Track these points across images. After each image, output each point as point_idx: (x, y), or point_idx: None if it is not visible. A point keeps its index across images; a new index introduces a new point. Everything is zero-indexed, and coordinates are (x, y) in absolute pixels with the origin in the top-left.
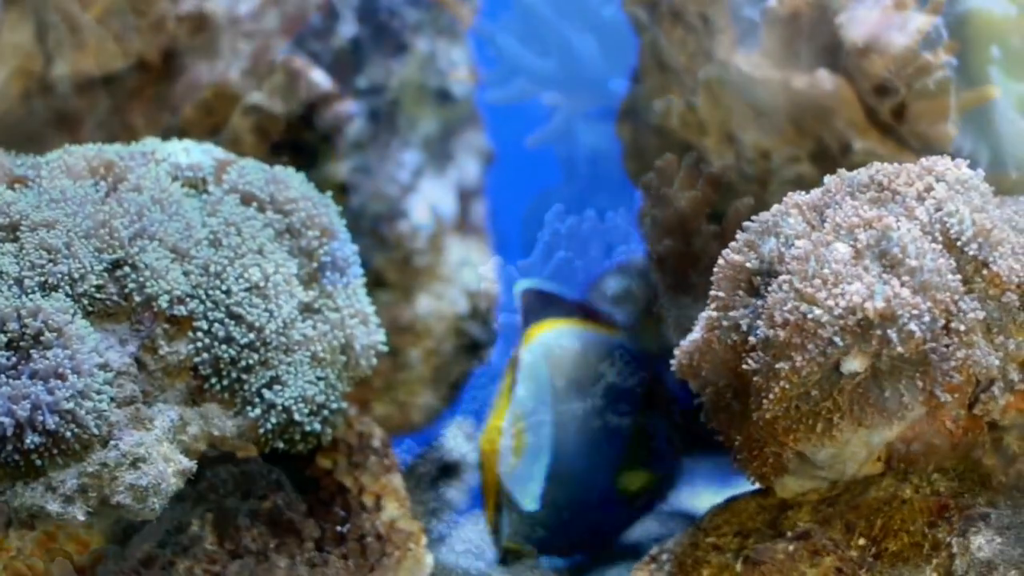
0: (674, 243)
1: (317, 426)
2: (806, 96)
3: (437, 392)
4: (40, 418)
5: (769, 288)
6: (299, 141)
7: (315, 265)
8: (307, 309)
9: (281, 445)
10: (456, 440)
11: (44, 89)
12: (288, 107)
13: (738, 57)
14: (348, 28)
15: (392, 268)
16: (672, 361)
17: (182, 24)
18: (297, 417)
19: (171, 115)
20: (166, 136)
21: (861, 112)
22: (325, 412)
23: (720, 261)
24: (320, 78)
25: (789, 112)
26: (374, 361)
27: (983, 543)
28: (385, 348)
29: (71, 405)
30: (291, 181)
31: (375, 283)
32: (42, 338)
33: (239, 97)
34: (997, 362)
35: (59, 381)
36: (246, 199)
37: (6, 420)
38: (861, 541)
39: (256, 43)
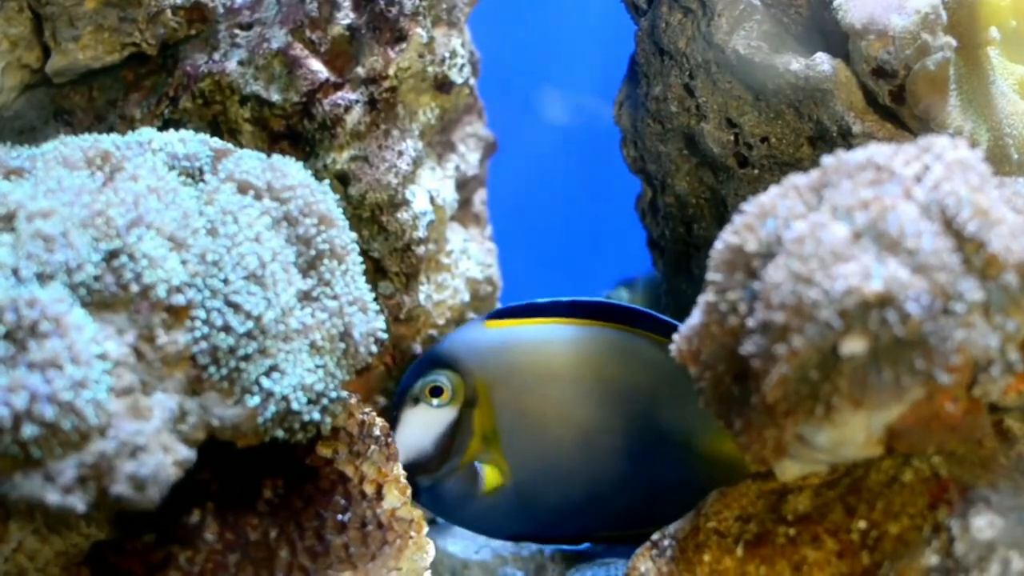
0: (674, 229)
1: (316, 415)
2: (804, 79)
3: None
4: (38, 408)
5: (766, 270)
6: (298, 131)
7: (313, 253)
8: (305, 297)
9: (281, 434)
10: None
11: (41, 81)
12: (286, 97)
13: (736, 40)
14: (346, 16)
15: (393, 258)
16: (671, 346)
17: (179, 15)
18: (295, 406)
19: (169, 106)
20: (164, 127)
21: (860, 95)
22: (324, 401)
23: (717, 244)
24: (318, 67)
25: (788, 96)
26: (374, 348)
27: (984, 525)
28: (385, 335)
29: (69, 395)
30: (288, 169)
31: (376, 273)
32: (39, 328)
33: (237, 87)
34: (996, 343)
35: (57, 371)
36: (243, 187)
37: (4, 411)
38: (862, 524)
39: (254, 33)
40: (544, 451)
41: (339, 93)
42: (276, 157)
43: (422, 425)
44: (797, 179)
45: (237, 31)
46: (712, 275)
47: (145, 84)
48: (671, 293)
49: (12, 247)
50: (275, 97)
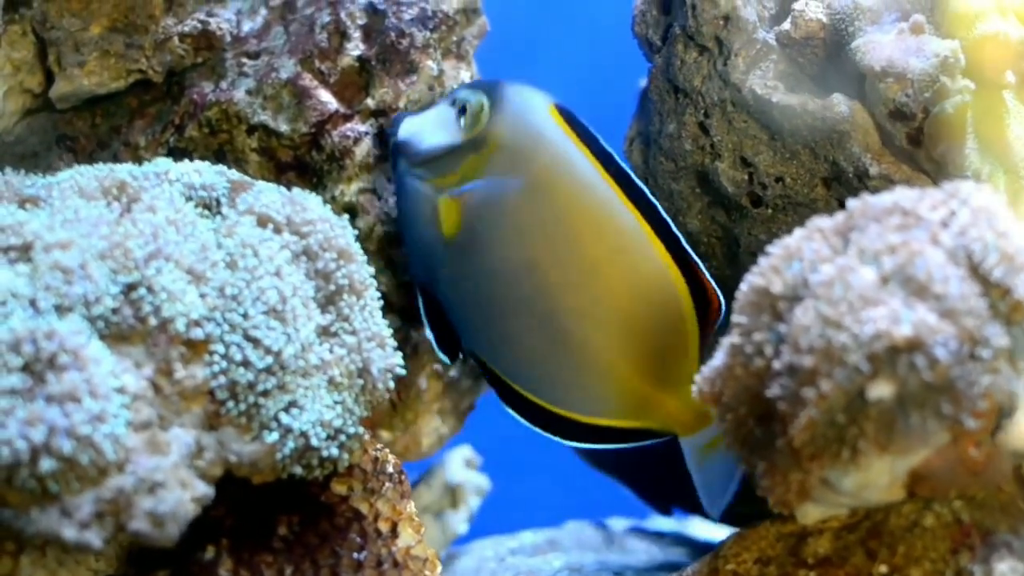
0: None
1: (335, 451)
2: (821, 120)
3: (444, 417)
4: (56, 442)
5: (794, 313)
6: (305, 161)
7: (332, 288)
8: (324, 332)
9: (299, 471)
10: (456, 466)
11: (43, 106)
12: (295, 127)
13: (753, 80)
14: (356, 47)
15: (399, 292)
16: (693, 388)
17: (186, 42)
18: (315, 442)
19: (174, 134)
20: (169, 155)
21: (877, 137)
22: (342, 437)
23: (743, 286)
24: (327, 98)
25: (804, 136)
26: (391, 384)
27: (1007, 570)
28: (403, 371)
29: (88, 429)
30: (308, 203)
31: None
32: (57, 361)
33: (244, 116)
34: (1021, 389)
35: (75, 405)
36: (262, 220)
37: (22, 444)
38: (883, 568)
39: (262, 62)
40: (481, 257)
41: (348, 124)
42: (296, 190)
43: (440, 122)
44: (821, 222)
45: (244, 60)
46: (737, 317)
47: (149, 111)
48: None
49: (29, 278)
50: (283, 127)
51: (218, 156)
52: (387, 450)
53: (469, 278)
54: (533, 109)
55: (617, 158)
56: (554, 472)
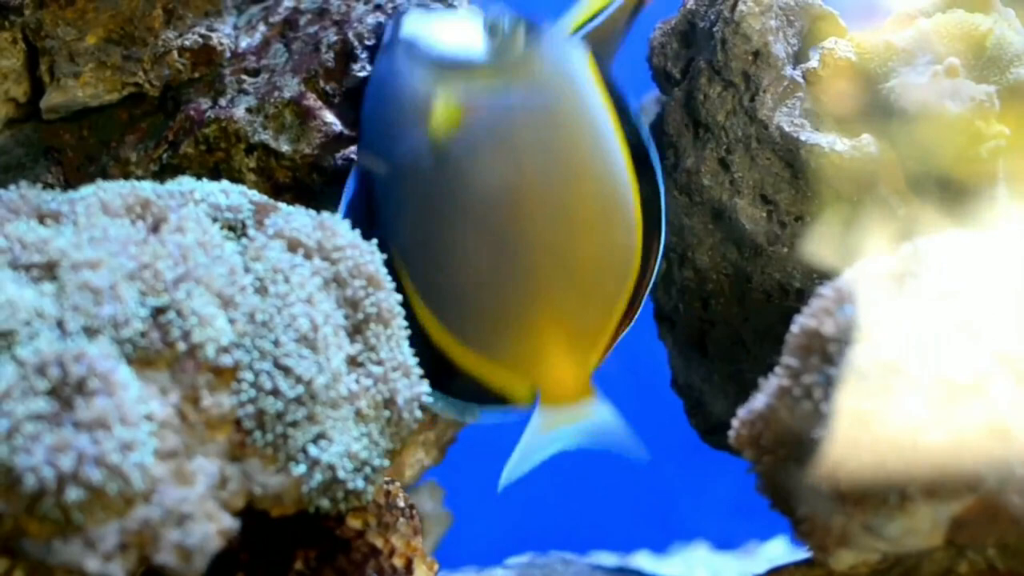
0: (689, 303)
1: (361, 483)
2: (850, 160)
3: (427, 449)
4: (85, 471)
5: (847, 357)
6: (305, 183)
7: (360, 316)
8: (352, 362)
9: (325, 504)
10: (421, 499)
11: (27, 117)
12: (297, 148)
13: (780, 117)
14: (362, 69)
15: None
16: (730, 432)
17: (185, 56)
18: (342, 475)
19: (168, 150)
20: (162, 171)
21: (905, 178)
22: (368, 469)
23: (793, 328)
24: (332, 119)
25: (828, 175)
26: (418, 414)
27: None
28: (430, 399)
29: (117, 458)
30: (338, 227)
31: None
32: (87, 385)
33: (244, 135)
34: None
35: (105, 432)
36: (293, 245)
37: (48, 472)
38: None
39: (263, 79)
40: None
41: (352, 147)
42: (325, 214)
43: (462, 33)
44: (872, 265)
45: (244, 76)
46: (787, 359)
47: (141, 126)
48: (685, 369)
49: (55, 298)
50: (285, 148)
51: (213, 174)
52: (398, 484)
53: (441, 185)
54: (572, 56)
55: (643, 134)
56: (516, 506)
